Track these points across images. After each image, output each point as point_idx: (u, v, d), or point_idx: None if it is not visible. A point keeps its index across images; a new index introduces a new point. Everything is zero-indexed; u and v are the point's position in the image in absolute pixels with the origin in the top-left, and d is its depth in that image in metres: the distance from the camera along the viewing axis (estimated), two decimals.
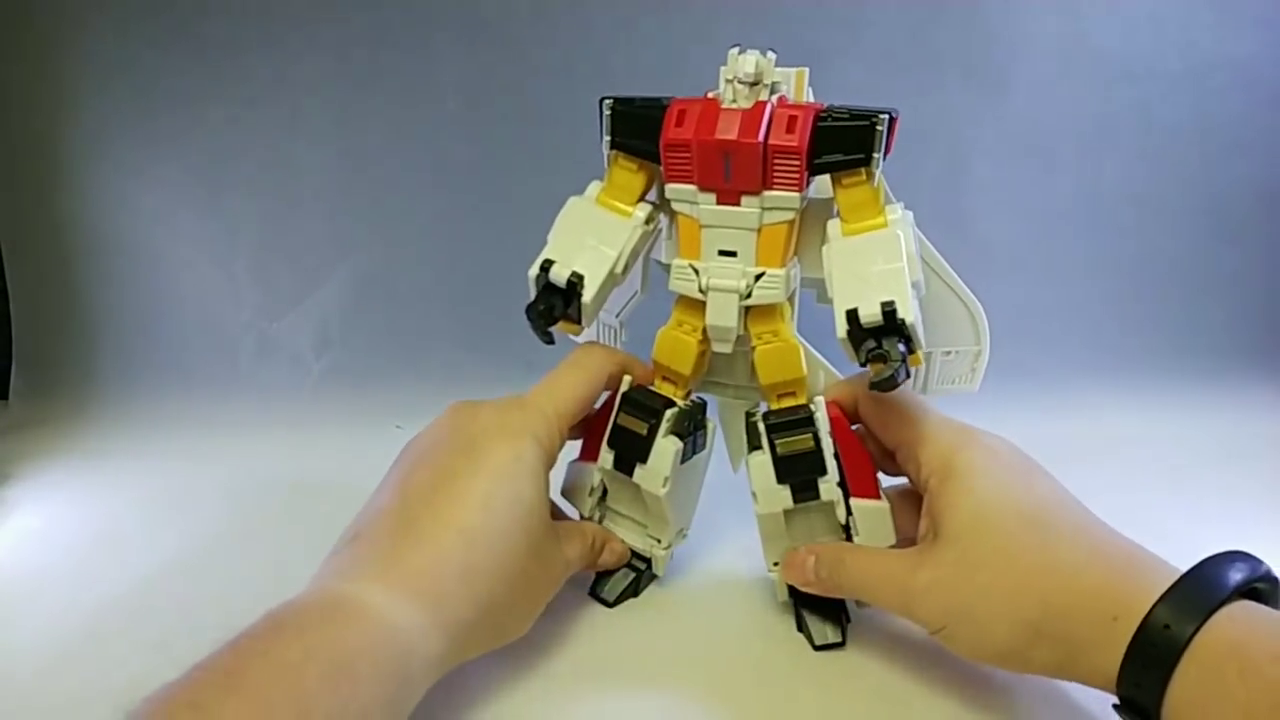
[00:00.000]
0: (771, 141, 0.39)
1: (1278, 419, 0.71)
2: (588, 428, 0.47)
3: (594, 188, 0.45)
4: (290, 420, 0.71)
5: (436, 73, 0.69)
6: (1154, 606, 0.32)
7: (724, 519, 0.52)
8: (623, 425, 0.45)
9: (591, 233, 0.43)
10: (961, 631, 0.37)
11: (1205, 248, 0.74)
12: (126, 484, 0.62)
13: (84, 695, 0.41)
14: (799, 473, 0.42)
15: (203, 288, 0.74)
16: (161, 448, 0.68)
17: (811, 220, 0.42)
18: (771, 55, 0.40)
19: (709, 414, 0.47)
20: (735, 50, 0.40)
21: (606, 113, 0.43)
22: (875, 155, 0.39)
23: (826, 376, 0.46)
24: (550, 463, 0.43)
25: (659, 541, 0.48)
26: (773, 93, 0.40)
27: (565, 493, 0.48)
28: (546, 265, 0.43)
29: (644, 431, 0.44)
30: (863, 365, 0.38)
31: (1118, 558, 0.36)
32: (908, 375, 0.37)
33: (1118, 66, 0.69)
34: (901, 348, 0.37)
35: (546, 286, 0.43)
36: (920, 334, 0.38)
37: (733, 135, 0.39)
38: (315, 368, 0.75)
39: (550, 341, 0.44)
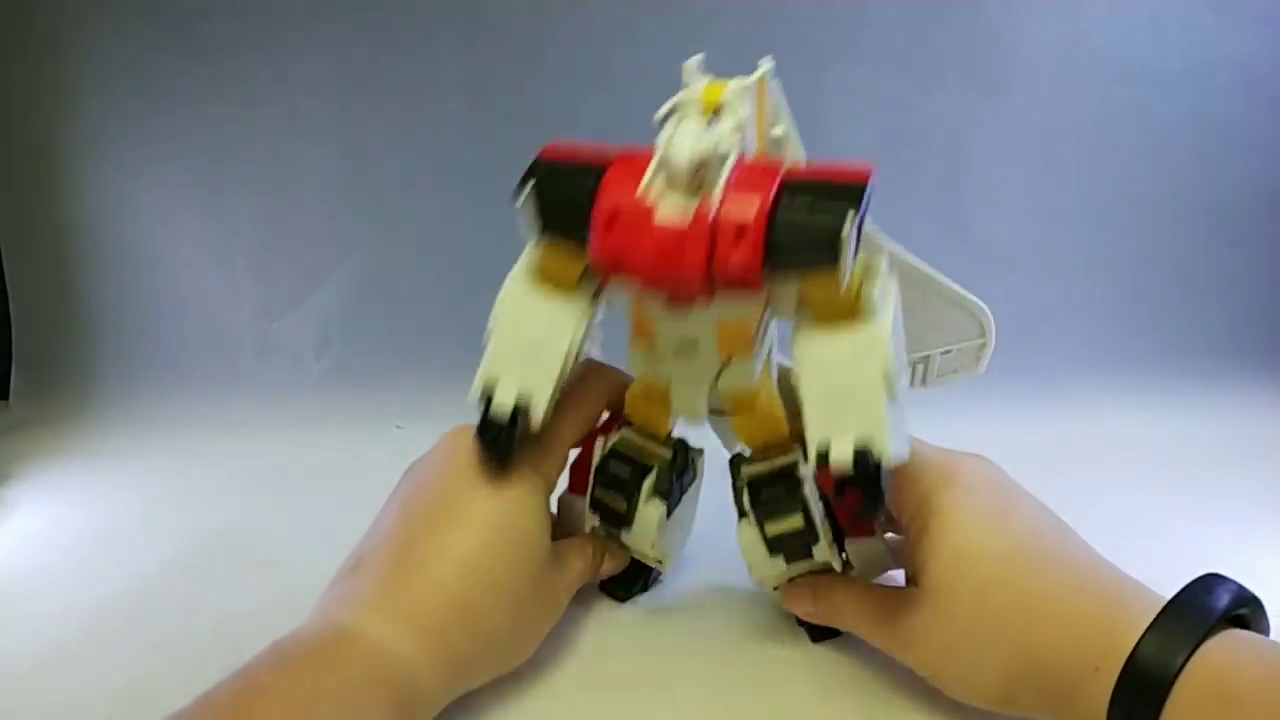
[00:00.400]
0: (716, 271, 0.32)
1: (1279, 419, 0.71)
2: (576, 458, 0.45)
3: (530, 260, 0.38)
4: (291, 420, 0.71)
5: (437, 72, 0.69)
6: (1133, 652, 0.32)
7: (723, 519, 0.52)
8: (600, 499, 0.43)
9: (535, 329, 0.37)
10: (948, 680, 0.38)
11: (1206, 248, 0.74)
12: (126, 484, 0.62)
13: (84, 695, 0.41)
14: (790, 548, 0.40)
15: (203, 288, 0.74)
16: (161, 448, 0.67)
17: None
18: (722, 128, 0.32)
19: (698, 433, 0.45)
20: (674, 118, 0.32)
21: (530, 200, 0.35)
22: (842, 261, 0.31)
23: None
24: (549, 488, 0.42)
25: (661, 563, 0.47)
26: (724, 164, 0.32)
27: (561, 526, 0.47)
28: (488, 392, 0.37)
29: (623, 509, 0.42)
30: (837, 496, 0.35)
31: (1098, 593, 0.35)
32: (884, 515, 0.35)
33: (1118, 66, 0.69)
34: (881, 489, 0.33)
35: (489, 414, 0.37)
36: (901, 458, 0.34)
37: (669, 272, 0.32)
38: (315, 368, 0.75)
39: (508, 457, 0.38)
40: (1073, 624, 0.34)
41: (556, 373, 0.37)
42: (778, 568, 0.41)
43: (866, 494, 0.32)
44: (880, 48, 0.67)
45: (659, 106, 0.35)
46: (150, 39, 0.68)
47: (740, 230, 0.31)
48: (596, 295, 0.38)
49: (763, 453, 0.40)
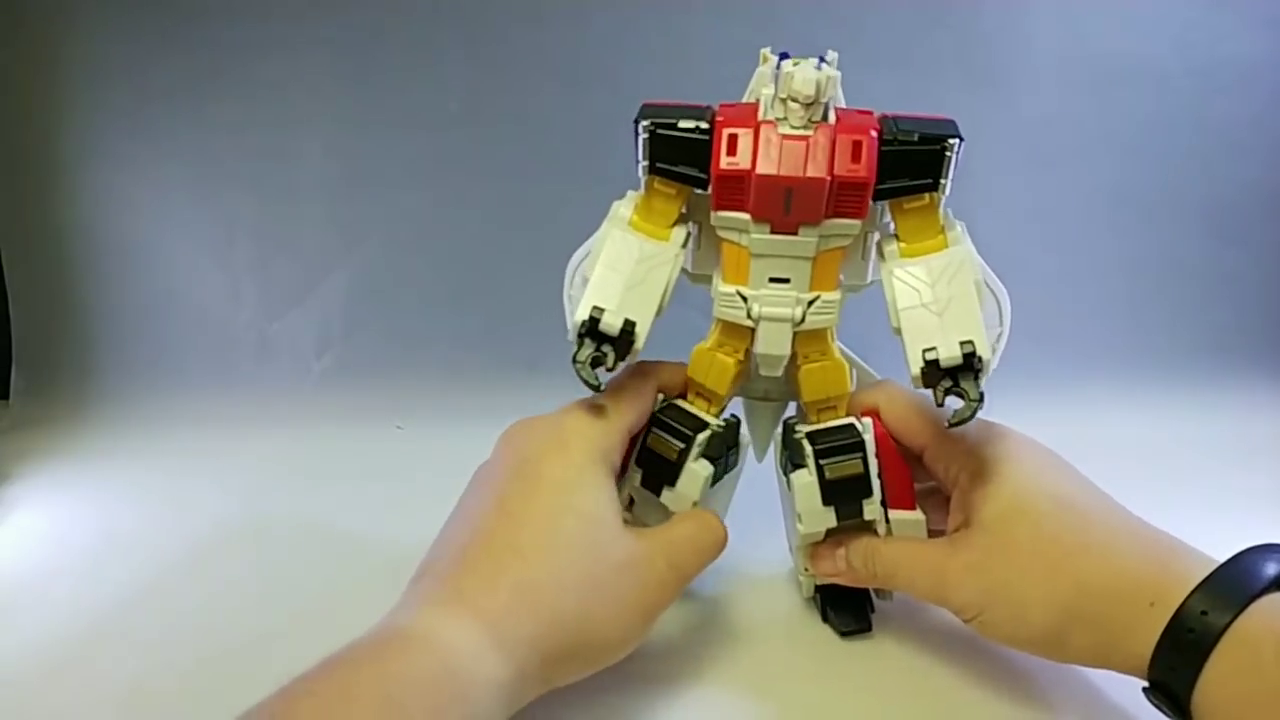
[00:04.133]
0: (838, 174, 0.37)
1: (1279, 419, 0.71)
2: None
3: (625, 210, 0.42)
4: (291, 420, 0.70)
5: (438, 72, 0.69)
6: (1191, 593, 0.33)
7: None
8: (652, 447, 0.42)
9: (634, 268, 0.40)
10: (997, 616, 0.38)
11: (1206, 248, 0.74)
12: (126, 483, 0.62)
13: (84, 695, 0.41)
14: (846, 495, 0.41)
15: (203, 287, 0.74)
16: (162, 447, 0.67)
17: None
18: (829, 70, 0.37)
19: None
20: (788, 63, 0.37)
21: (644, 135, 0.39)
22: (943, 181, 0.38)
23: (859, 373, 0.45)
24: (612, 469, 0.41)
25: None
26: (827, 109, 0.38)
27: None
28: (597, 314, 0.39)
29: (674, 456, 0.42)
30: (940, 404, 0.37)
31: (1153, 544, 0.36)
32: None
33: (1118, 66, 0.69)
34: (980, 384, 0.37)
35: (593, 334, 0.39)
36: (993, 366, 0.37)
37: (799, 171, 0.36)
38: (316, 367, 0.75)
39: (600, 389, 0.40)
40: (1130, 560, 0.35)
41: (656, 305, 0.40)
42: (828, 521, 0.41)
43: (969, 392, 0.36)
44: (880, 48, 0.68)
45: None
46: (150, 39, 0.68)
47: (856, 144, 0.37)
48: (685, 243, 0.41)
49: (816, 417, 0.43)
